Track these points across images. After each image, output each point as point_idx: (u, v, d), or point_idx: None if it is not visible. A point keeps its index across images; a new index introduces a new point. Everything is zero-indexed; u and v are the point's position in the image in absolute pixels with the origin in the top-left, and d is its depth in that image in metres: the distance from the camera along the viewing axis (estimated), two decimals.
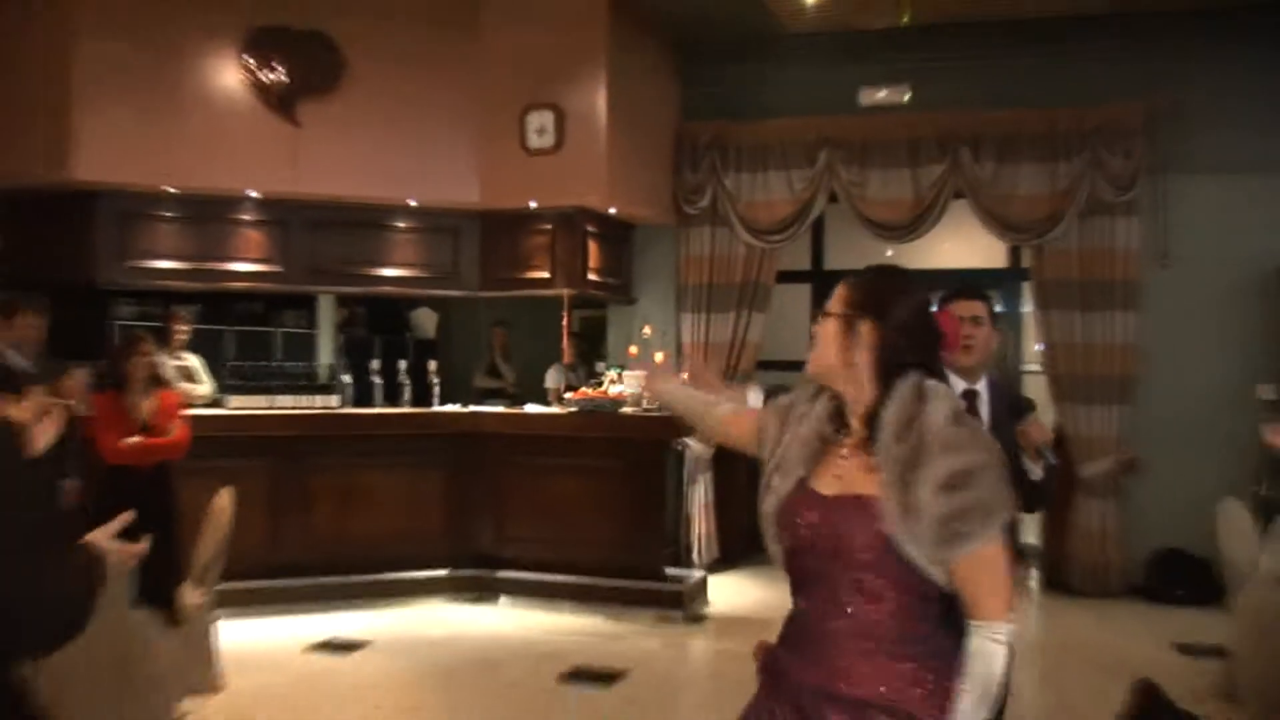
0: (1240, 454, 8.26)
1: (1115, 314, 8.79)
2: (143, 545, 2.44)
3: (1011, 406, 3.86)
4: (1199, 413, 8.74)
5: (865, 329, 2.41)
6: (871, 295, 2.45)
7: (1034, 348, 10.48)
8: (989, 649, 2.22)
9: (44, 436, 2.88)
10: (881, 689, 2.26)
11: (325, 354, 10.85)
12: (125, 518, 2.45)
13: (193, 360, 8.34)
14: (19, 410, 4.77)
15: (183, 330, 8.27)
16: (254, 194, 8.39)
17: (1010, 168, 8.92)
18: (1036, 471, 3.67)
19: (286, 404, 8.27)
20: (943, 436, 2.27)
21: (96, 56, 7.86)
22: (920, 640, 2.30)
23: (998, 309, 10.38)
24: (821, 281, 10.53)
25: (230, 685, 6.13)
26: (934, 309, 2.48)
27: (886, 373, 2.38)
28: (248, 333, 10.68)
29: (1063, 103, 8.83)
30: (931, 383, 2.37)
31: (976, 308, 3.87)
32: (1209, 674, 6.40)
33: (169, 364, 7.96)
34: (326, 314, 11.16)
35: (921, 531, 2.23)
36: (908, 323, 2.41)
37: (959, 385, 3.72)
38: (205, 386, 8.28)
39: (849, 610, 2.31)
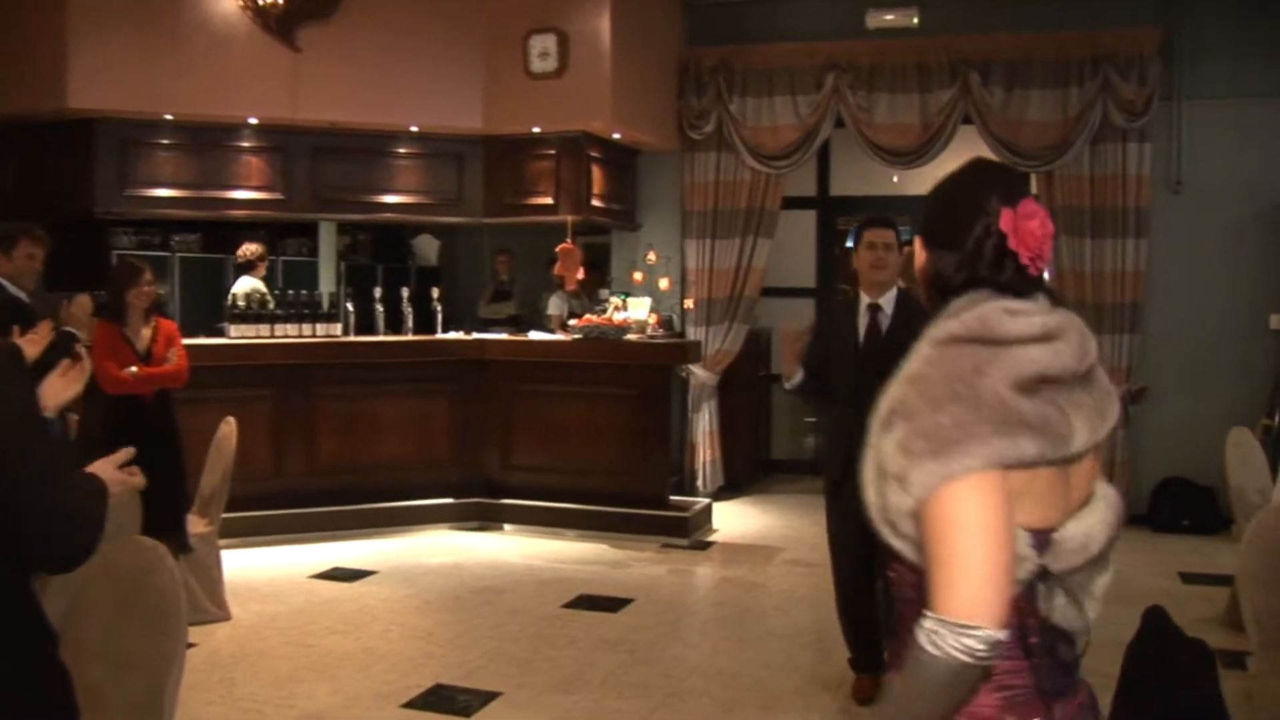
0: (1250, 384, 8.27)
1: (1125, 241, 8.73)
2: (140, 479, 2.52)
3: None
4: (1208, 342, 8.72)
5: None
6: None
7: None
8: (921, 654, 1.64)
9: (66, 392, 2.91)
10: None
11: (327, 282, 10.82)
12: (127, 452, 2.51)
13: None
14: (28, 344, 4.80)
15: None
16: (254, 120, 8.33)
17: (1020, 93, 8.83)
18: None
19: (289, 333, 8.24)
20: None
21: None
22: None
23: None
24: (827, 208, 10.47)
25: (236, 614, 6.21)
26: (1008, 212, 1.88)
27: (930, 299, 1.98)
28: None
29: (1075, 27, 8.72)
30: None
31: (888, 236, 4.76)
32: (1213, 602, 6.45)
33: None
34: (328, 242, 11.12)
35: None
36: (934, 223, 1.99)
37: (865, 300, 4.78)
38: None
39: None
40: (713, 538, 8.41)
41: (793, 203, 9.88)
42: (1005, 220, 1.85)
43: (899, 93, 9.11)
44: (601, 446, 8.38)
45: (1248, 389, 8.33)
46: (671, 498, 8.56)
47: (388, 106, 8.48)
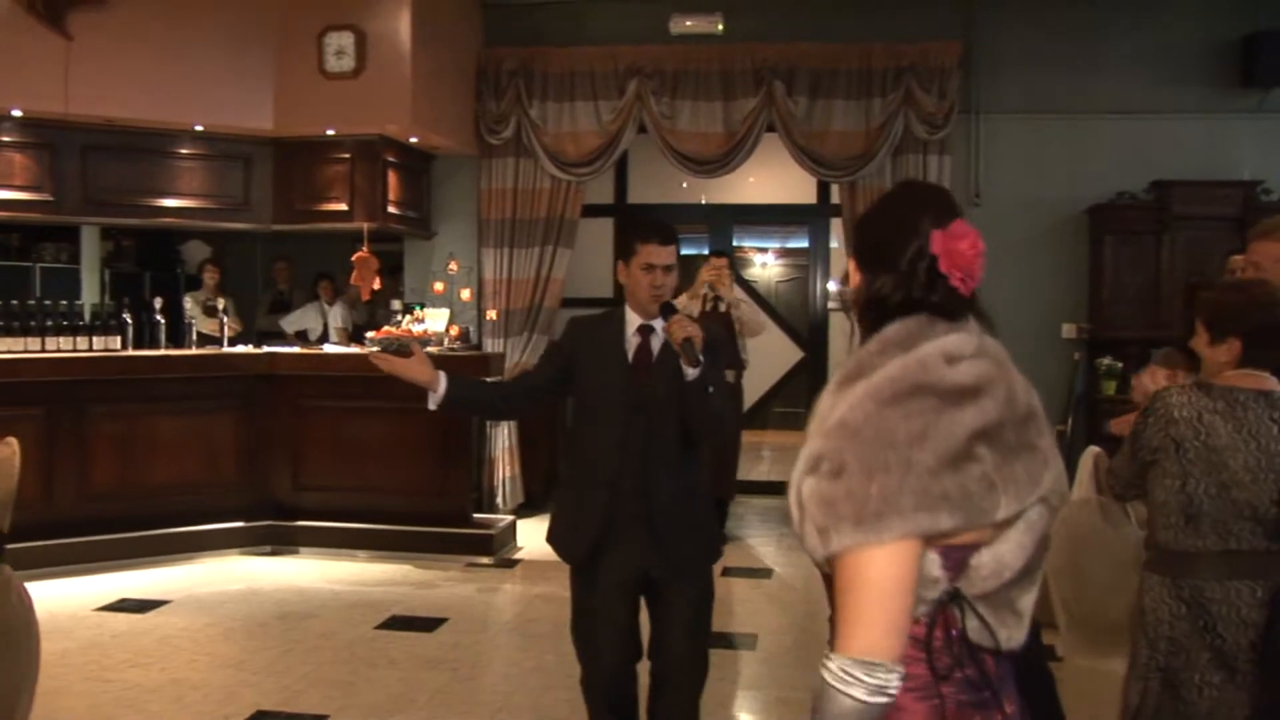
0: (1047, 393, 8.84)
1: None
2: None
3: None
4: (1007, 351, 9.33)
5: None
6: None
7: (829, 286, 11.03)
8: (826, 690, 1.81)
9: None
10: None
11: (90, 291, 10.52)
12: None
13: None
14: None
15: None
16: (17, 113, 8.09)
17: (824, 102, 9.31)
18: (690, 373, 3.82)
19: (54, 346, 7.96)
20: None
21: None
22: None
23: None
24: (625, 215, 10.73)
25: None
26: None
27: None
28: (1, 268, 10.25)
29: (878, 38, 9.25)
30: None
31: (671, 255, 3.98)
32: None
33: None
34: (91, 247, 10.79)
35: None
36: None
37: (635, 321, 4.04)
38: None
39: None
40: (518, 555, 8.56)
41: (590, 210, 10.11)
42: (936, 242, 2.01)
43: (702, 100, 9.47)
44: (400, 463, 8.42)
45: (1043, 396, 8.92)
46: (474, 515, 8.67)
47: (170, 103, 8.35)
